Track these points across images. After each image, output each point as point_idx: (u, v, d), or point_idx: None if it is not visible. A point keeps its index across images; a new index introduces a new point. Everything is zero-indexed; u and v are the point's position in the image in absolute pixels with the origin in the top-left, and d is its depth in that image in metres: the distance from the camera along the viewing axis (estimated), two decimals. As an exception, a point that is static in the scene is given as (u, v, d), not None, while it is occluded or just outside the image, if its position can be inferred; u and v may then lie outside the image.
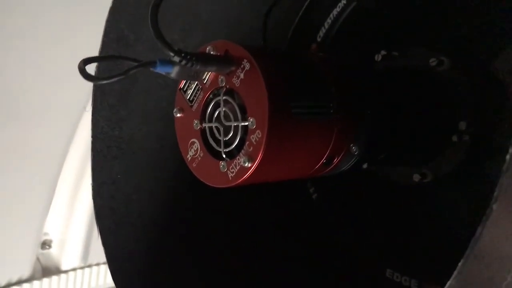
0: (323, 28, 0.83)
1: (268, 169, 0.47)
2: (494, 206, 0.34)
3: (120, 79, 0.45)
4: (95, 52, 0.67)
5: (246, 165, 0.45)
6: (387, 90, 0.64)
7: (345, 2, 0.79)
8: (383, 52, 0.68)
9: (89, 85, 0.66)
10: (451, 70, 0.64)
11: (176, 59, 0.43)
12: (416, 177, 0.65)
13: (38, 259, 1.28)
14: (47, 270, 1.30)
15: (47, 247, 1.30)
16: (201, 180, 0.51)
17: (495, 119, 0.62)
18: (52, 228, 1.30)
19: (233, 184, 0.47)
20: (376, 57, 0.69)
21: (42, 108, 1.13)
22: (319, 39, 0.83)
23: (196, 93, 0.51)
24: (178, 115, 0.53)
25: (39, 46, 1.07)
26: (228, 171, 0.47)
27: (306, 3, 0.82)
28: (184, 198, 0.72)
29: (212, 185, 0.49)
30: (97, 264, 1.37)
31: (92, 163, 0.66)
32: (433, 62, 0.64)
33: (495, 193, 0.34)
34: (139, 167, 0.70)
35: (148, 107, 0.71)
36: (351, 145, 0.54)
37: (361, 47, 0.73)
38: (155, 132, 0.71)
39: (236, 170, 0.47)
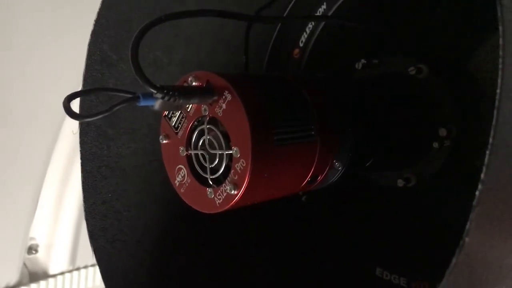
0: (304, 33, 0.84)
1: (254, 194, 0.48)
2: (474, 215, 0.35)
3: (105, 115, 0.45)
4: (81, 59, 0.67)
5: (232, 192, 0.47)
6: (368, 100, 0.65)
7: (324, 7, 0.80)
8: (363, 61, 0.70)
9: (77, 81, 0.67)
10: (430, 77, 0.65)
11: (158, 95, 0.44)
12: (400, 182, 0.67)
13: (25, 264, 1.27)
14: (35, 275, 1.29)
15: (33, 252, 1.29)
16: (190, 205, 0.52)
17: (475, 121, 0.63)
18: (38, 233, 1.29)
19: (221, 210, 0.49)
20: (356, 65, 0.70)
21: (26, 113, 1.13)
22: (301, 44, 0.84)
23: (181, 120, 0.52)
24: (164, 141, 0.54)
25: (23, 51, 1.07)
26: (216, 198, 0.49)
27: (286, 11, 0.82)
28: (174, 209, 0.73)
29: (201, 211, 0.51)
30: (85, 267, 1.37)
31: (83, 184, 0.67)
32: (412, 70, 0.65)
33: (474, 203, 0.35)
34: (129, 184, 0.71)
35: (135, 125, 0.72)
36: (334, 161, 0.56)
37: (341, 56, 0.74)
38: (143, 149, 0.72)
39: (223, 197, 0.48)
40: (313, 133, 0.51)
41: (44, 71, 1.10)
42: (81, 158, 0.66)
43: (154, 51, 0.72)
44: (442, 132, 0.63)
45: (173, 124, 0.53)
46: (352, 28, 0.76)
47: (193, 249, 0.75)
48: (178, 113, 0.52)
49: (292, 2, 0.82)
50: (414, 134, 0.66)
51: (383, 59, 0.69)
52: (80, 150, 0.67)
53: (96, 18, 0.64)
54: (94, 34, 0.65)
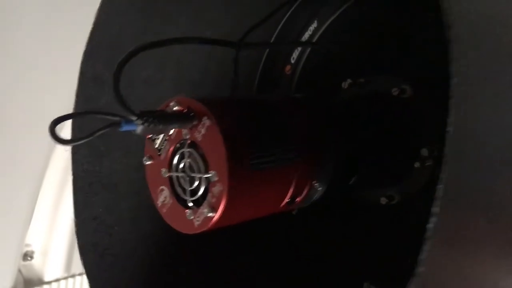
0: (296, 50, 0.85)
1: (231, 216, 0.50)
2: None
3: (88, 140, 0.47)
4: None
5: (209, 215, 0.49)
6: (352, 120, 0.66)
7: (315, 25, 0.82)
8: (349, 80, 0.71)
9: (70, 96, 0.68)
10: (413, 97, 0.66)
11: (139, 122, 0.46)
12: (383, 200, 0.68)
13: (20, 271, 1.27)
14: (30, 281, 1.29)
15: (29, 258, 1.29)
16: (171, 226, 0.54)
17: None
18: (34, 239, 1.29)
19: (199, 231, 0.50)
20: (343, 85, 0.72)
21: (23, 119, 1.15)
22: (293, 61, 0.85)
23: (163, 143, 0.54)
24: (148, 162, 0.56)
25: (18, 57, 1.09)
26: (194, 219, 0.51)
27: (278, 29, 0.84)
28: (166, 224, 0.75)
29: (181, 231, 0.52)
30: (80, 274, 1.37)
31: (74, 199, 0.68)
32: (395, 91, 0.66)
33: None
34: (121, 199, 0.73)
35: (127, 140, 0.73)
36: (313, 182, 0.57)
37: (330, 74, 0.76)
38: (134, 164, 0.74)
39: (201, 219, 0.50)
40: (291, 155, 0.53)
41: (43, 76, 1.11)
42: (72, 175, 0.68)
43: (146, 71, 0.73)
44: (424, 152, 0.64)
45: (156, 146, 0.54)
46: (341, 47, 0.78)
47: (185, 264, 0.76)
48: (161, 136, 0.54)
49: (283, 21, 0.83)
50: (396, 153, 0.67)
51: (369, 78, 0.70)
52: (72, 167, 0.68)
53: (88, 40, 0.66)
54: (87, 54, 0.67)
